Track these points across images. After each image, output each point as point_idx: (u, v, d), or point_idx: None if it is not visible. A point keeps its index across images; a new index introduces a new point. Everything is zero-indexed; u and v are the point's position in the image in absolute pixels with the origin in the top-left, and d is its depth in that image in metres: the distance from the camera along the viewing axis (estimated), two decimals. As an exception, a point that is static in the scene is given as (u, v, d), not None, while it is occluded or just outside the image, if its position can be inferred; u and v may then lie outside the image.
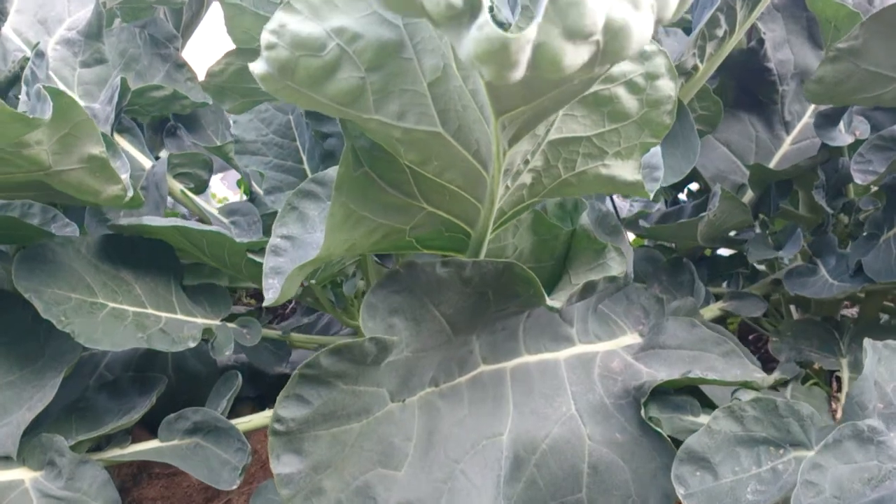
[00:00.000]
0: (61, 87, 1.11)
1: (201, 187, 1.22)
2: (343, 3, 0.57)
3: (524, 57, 0.41)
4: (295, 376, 0.75)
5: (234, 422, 1.01)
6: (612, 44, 0.43)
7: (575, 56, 0.42)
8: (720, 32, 1.02)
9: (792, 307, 1.43)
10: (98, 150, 0.79)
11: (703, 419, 0.93)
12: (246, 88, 0.97)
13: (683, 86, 1.06)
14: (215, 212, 1.18)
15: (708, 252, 1.49)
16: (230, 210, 1.19)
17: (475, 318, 0.84)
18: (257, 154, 1.14)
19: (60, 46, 1.13)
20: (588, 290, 0.83)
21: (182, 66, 1.26)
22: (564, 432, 0.88)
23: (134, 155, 1.16)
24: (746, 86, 1.36)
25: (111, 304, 0.96)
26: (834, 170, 1.26)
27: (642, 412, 0.88)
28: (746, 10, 1.05)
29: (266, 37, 0.59)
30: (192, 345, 0.96)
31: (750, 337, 1.56)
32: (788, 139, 1.39)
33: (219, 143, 1.22)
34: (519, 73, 0.42)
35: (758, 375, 1.03)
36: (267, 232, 1.17)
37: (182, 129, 1.26)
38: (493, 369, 0.91)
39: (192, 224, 0.98)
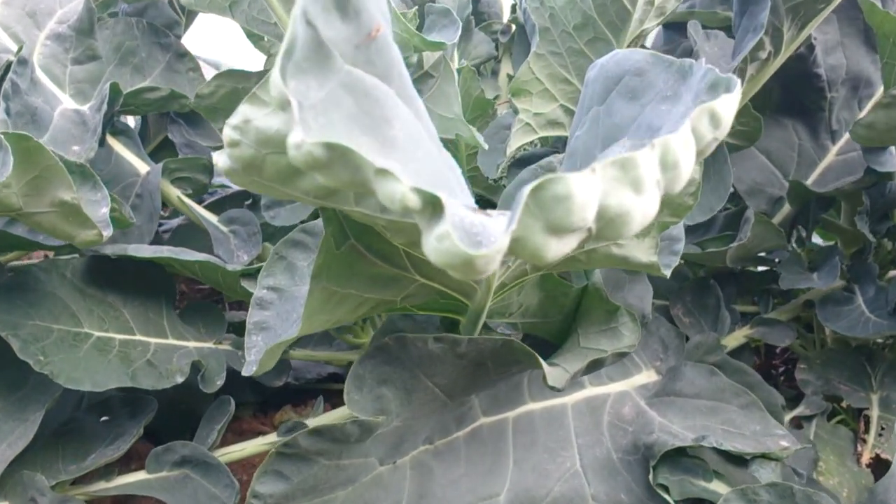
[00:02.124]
0: (51, 86, 1.04)
1: (201, 191, 1.15)
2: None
3: (497, 259, 0.34)
4: (272, 454, 0.70)
5: (226, 450, 0.98)
6: (606, 231, 0.36)
7: (560, 247, 0.35)
8: (763, 55, 0.92)
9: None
10: (69, 195, 0.73)
11: (715, 486, 0.87)
12: (239, 109, 0.90)
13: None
14: (214, 219, 1.13)
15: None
16: (230, 218, 1.13)
17: (474, 383, 0.79)
18: (257, 164, 1.07)
19: (51, 42, 1.06)
20: (594, 366, 0.76)
21: (184, 55, 1.18)
22: (567, 491, 0.83)
23: (128, 159, 1.10)
24: (792, 90, 1.25)
25: (96, 334, 0.92)
26: (880, 194, 1.16)
27: (651, 476, 0.83)
28: (795, 30, 0.94)
29: (228, 133, 0.52)
30: (180, 380, 0.92)
31: (777, 349, 1.48)
32: (834, 149, 1.28)
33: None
34: (492, 269, 0.35)
35: (779, 433, 0.96)
36: (268, 238, 1.12)
37: (183, 125, 1.19)
38: (494, 421, 0.86)
39: (181, 254, 0.92)
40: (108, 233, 0.81)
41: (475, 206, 0.52)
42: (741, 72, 0.95)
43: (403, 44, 0.74)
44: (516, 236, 0.34)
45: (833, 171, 1.28)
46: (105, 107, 0.96)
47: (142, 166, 1.10)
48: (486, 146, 0.81)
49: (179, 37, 1.21)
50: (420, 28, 1.20)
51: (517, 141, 0.91)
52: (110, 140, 1.09)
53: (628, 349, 0.76)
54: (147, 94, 1.08)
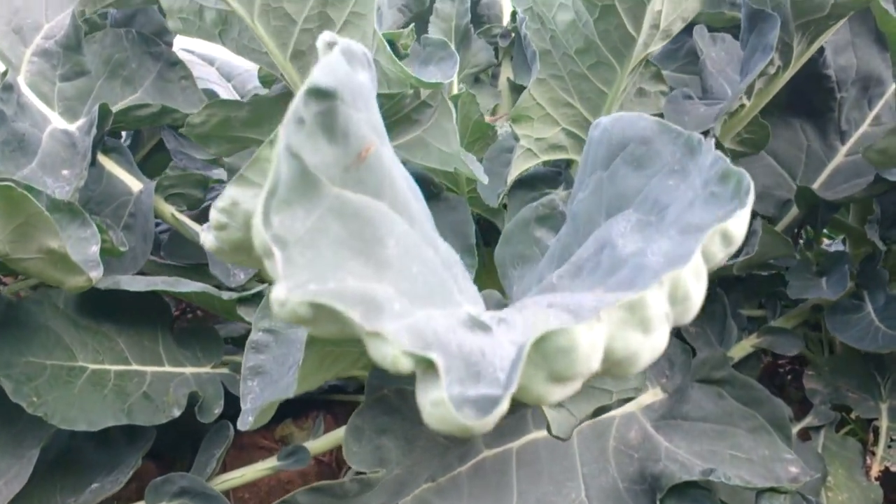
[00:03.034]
0: (39, 104, 1.01)
1: (195, 206, 1.13)
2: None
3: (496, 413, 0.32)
4: (271, 510, 0.69)
5: (226, 477, 0.97)
6: (612, 370, 0.34)
7: (564, 391, 0.33)
8: (772, 70, 0.89)
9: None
10: (55, 243, 0.71)
11: (721, 518, 0.87)
12: (233, 136, 0.88)
13: (727, 122, 0.93)
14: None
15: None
16: (226, 235, 1.10)
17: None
18: (252, 183, 1.05)
19: (38, 58, 1.03)
20: (600, 412, 0.75)
21: (175, 63, 1.14)
22: (572, 523, 0.82)
23: (120, 177, 1.07)
24: (801, 90, 1.22)
25: (91, 367, 0.90)
26: (891, 202, 1.13)
27: (657, 509, 0.82)
28: (805, 44, 0.91)
29: (216, 217, 0.50)
30: (177, 413, 0.91)
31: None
32: (843, 150, 1.25)
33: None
34: (489, 428, 0.33)
35: (788, 457, 0.95)
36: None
37: (179, 137, 1.16)
38: (498, 453, 0.85)
39: (176, 285, 0.90)
40: (97, 274, 0.79)
41: (476, 298, 0.50)
42: (749, 86, 0.92)
43: (399, 81, 0.72)
44: (518, 385, 0.32)
45: (842, 173, 1.25)
46: (95, 130, 0.94)
47: (135, 184, 1.07)
48: (485, 180, 0.78)
49: (170, 44, 1.17)
50: (416, 35, 1.16)
51: (518, 167, 0.88)
52: (101, 158, 1.06)
53: (634, 393, 0.74)
54: (138, 111, 1.04)
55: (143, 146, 1.36)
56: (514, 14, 1.19)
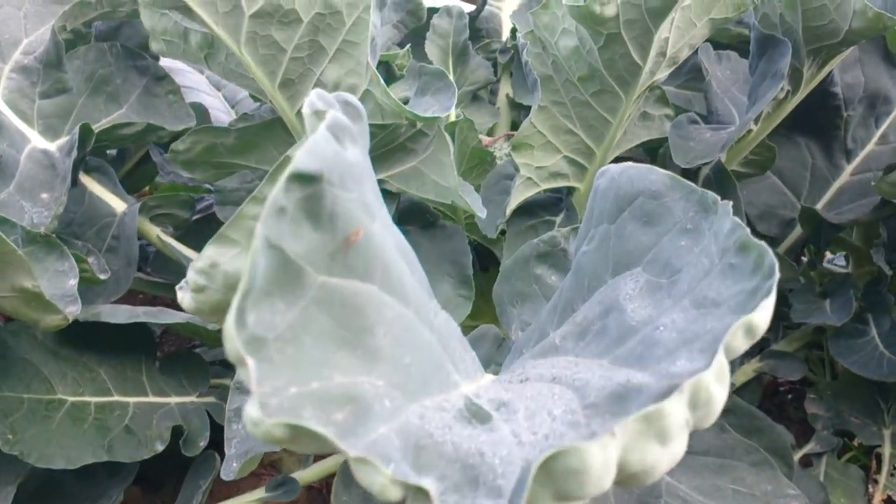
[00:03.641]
0: (18, 123, 0.97)
1: (182, 227, 1.09)
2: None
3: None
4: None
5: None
6: (626, 482, 0.30)
7: None
8: (781, 94, 0.85)
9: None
10: (30, 283, 0.67)
11: (726, 559, 0.84)
12: (220, 163, 0.84)
13: (733, 147, 0.90)
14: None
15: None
16: (213, 256, 1.07)
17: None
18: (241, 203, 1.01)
19: (16, 75, 0.99)
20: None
21: (162, 77, 1.10)
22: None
23: (103, 198, 1.03)
24: (806, 108, 1.18)
25: (71, 399, 0.87)
26: (899, 226, 1.10)
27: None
28: (815, 68, 0.87)
29: (193, 278, 0.47)
30: (160, 448, 0.87)
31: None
32: (849, 168, 1.22)
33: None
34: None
35: (791, 493, 0.92)
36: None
37: (166, 152, 1.12)
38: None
39: (160, 316, 0.87)
40: (74, 310, 0.75)
41: (475, 367, 0.47)
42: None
43: (394, 113, 0.68)
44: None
45: (847, 193, 1.22)
46: (76, 151, 0.90)
47: (118, 204, 1.04)
48: (483, 214, 0.75)
49: (157, 57, 1.13)
50: (412, 52, 1.13)
51: (518, 197, 0.84)
52: (84, 178, 1.03)
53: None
54: (121, 130, 1.01)
55: (130, 158, 1.32)
56: (513, 30, 1.15)
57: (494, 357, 0.81)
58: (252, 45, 0.68)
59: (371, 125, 0.74)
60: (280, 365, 0.30)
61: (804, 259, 1.30)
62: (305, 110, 0.35)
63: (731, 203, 0.43)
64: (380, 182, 0.81)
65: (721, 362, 0.31)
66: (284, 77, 0.71)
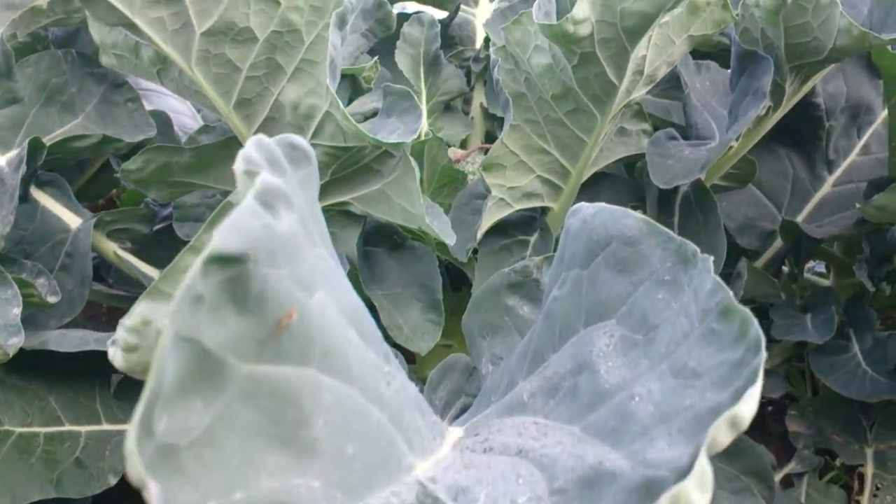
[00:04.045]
0: (-34, 135, 0.92)
1: (141, 242, 1.04)
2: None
3: None
4: None
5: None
6: None
7: None
8: (763, 111, 0.82)
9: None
10: (-34, 318, 0.63)
11: None
12: (175, 181, 0.79)
13: (713, 164, 0.87)
14: (156, 276, 1.02)
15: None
16: (174, 273, 1.02)
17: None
18: (202, 221, 0.97)
19: (-37, 85, 0.94)
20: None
21: (121, 85, 1.05)
22: None
23: (56, 213, 0.98)
24: (788, 118, 1.15)
25: (18, 430, 0.82)
26: (881, 240, 1.07)
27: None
28: (798, 84, 0.84)
29: (124, 336, 0.42)
30: (113, 481, 0.83)
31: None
32: (831, 180, 1.19)
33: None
34: None
35: (772, 525, 0.89)
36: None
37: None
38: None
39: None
40: (16, 341, 0.71)
41: (436, 434, 0.43)
42: (738, 128, 0.85)
43: (356, 137, 0.64)
44: None
45: (829, 204, 1.19)
46: (24, 167, 0.85)
47: (73, 220, 0.99)
48: (451, 240, 0.71)
49: (115, 64, 1.08)
50: (382, 62, 1.09)
51: (490, 218, 0.81)
52: (35, 193, 0.98)
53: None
54: (75, 143, 0.96)
55: (91, 165, 1.27)
56: (487, 39, 1.11)
57: (464, 388, 0.77)
58: (204, 64, 0.64)
59: (334, 147, 0.70)
60: (196, 475, 0.26)
61: (784, 269, 1.27)
62: (237, 167, 0.31)
63: (711, 258, 0.40)
64: (343, 204, 0.77)
65: (703, 467, 0.28)
66: (240, 97, 0.67)
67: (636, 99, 0.77)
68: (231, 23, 0.62)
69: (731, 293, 0.37)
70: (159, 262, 1.07)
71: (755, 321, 0.35)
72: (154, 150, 0.75)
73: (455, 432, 0.50)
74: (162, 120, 1.15)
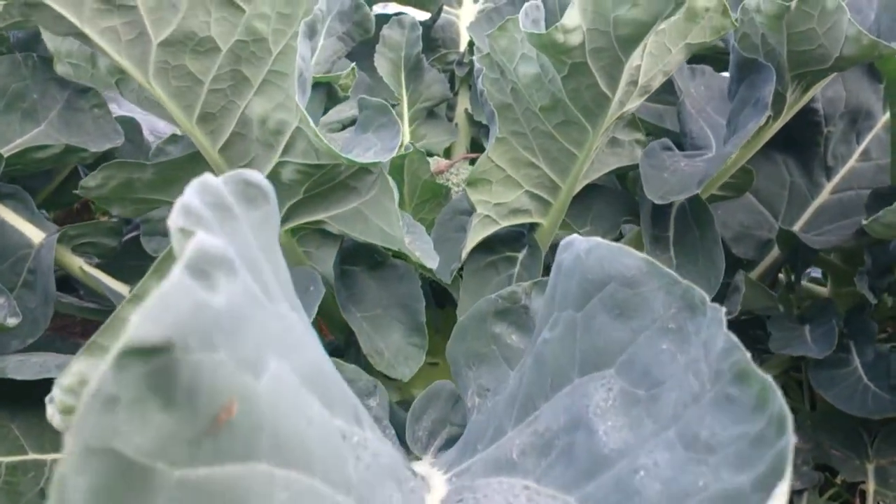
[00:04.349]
0: (-82, 147, 0.87)
1: (109, 256, 0.99)
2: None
3: None
4: None
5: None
6: None
7: None
8: (763, 121, 0.77)
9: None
10: None
11: None
12: (138, 198, 0.74)
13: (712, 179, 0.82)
14: (125, 291, 0.97)
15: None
16: (144, 290, 0.97)
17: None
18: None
19: (-85, 93, 0.88)
20: None
21: (86, 91, 0.99)
22: None
23: (18, 227, 0.93)
24: (785, 124, 1.11)
25: (-23, 462, 0.77)
26: (883, 251, 1.03)
27: None
28: (799, 93, 0.80)
29: (60, 397, 0.37)
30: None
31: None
32: (829, 186, 1.15)
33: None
34: None
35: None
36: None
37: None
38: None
39: (73, 369, 0.77)
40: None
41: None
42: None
43: (329, 155, 0.59)
44: None
45: (827, 212, 1.15)
46: (-21, 181, 0.80)
47: (36, 234, 0.93)
48: (434, 264, 0.66)
49: (81, 68, 1.02)
50: (361, 66, 1.03)
51: (475, 237, 0.76)
52: (-6, 207, 0.92)
53: None
54: (36, 153, 0.90)
55: (58, 172, 1.22)
56: (471, 43, 1.06)
57: (449, 417, 0.72)
58: (163, 76, 0.59)
59: (306, 165, 0.65)
60: None
61: (781, 277, 1.23)
62: (172, 222, 0.26)
63: (723, 309, 0.35)
64: (319, 223, 0.72)
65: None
66: (203, 111, 0.62)
67: (630, 111, 0.72)
68: (191, 32, 0.57)
69: (747, 354, 0.32)
70: (130, 273, 1.01)
71: (777, 390, 0.30)
72: (115, 166, 0.70)
73: (438, 490, 0.46)
74: (131, 126, 1.10)
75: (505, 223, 0.77)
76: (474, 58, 0.72)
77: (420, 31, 1.01)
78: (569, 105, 0.68)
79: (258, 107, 0.61)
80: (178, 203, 0.27)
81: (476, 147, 1.10)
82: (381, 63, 0.99)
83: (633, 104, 0.71)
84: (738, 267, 1.07)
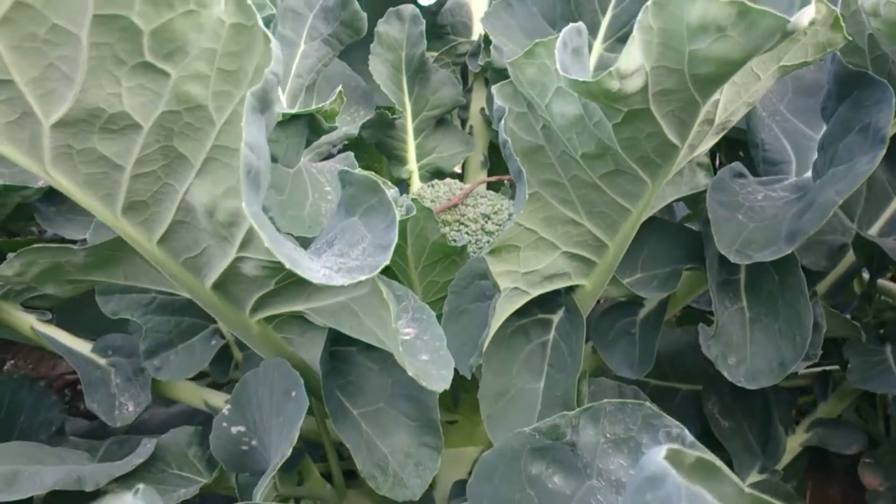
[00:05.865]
0: None
1: (66, 304, 0.84)
2: None
3: None
4: None
5: None
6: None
7: None
8: (879, 158, 0.60)
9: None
10: None
11: None
12: (72, 280, 0.59)
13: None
14: (86, 350, 0.83)
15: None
16: (106, 346, 0.83)
17: None
18: (128, 293, 0.76)
19: None
20: None
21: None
22: None
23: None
24: (863, 108, 0.93)
25: None
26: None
27: None
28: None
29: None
30: None
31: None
32: (915, 180, 0.97)
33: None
34: None
35: None
36: (155, 387, 0.83)
37: (44, 210, 0.86)
38: None
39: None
40: None
41: None
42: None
43: (293, 265, 0.43)
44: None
45: (912, 212, 0.97)
46: None
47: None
48: (442, 384, 0.49)
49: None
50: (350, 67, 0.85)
51: (502, 314, 0.59)
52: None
53: None
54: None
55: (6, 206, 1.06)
56: (486, 38, 0.87)
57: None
58: (66, 163, 0.43)
59: (271, 262, 0.49)
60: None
61: (856, 289, 1.06)
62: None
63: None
64: (299, 314, 0.56)
65: None
66: (129, 200, 0.45)
67: (703, 153, 0.55)
68: (96, 108, 0.40)
69: None
70: (89, 322, 0.86)
71: None
72: (34, 252, 0.54)
73: None
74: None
75: (536, 293, 0.61)
76: (493, 89, 0.55)
77: (423, 25, 0.82)
78: (621, 154, 0.51)
79: (202, 193, 0.45)
80: None
81: (495, 152, 0.92)
82: (378, 66, 0.81)
83: (707, 146, 0.53)
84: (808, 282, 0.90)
